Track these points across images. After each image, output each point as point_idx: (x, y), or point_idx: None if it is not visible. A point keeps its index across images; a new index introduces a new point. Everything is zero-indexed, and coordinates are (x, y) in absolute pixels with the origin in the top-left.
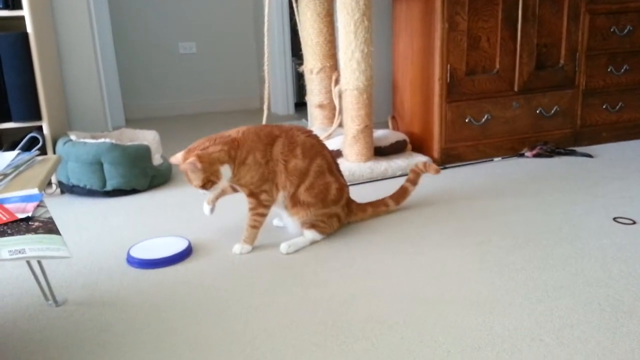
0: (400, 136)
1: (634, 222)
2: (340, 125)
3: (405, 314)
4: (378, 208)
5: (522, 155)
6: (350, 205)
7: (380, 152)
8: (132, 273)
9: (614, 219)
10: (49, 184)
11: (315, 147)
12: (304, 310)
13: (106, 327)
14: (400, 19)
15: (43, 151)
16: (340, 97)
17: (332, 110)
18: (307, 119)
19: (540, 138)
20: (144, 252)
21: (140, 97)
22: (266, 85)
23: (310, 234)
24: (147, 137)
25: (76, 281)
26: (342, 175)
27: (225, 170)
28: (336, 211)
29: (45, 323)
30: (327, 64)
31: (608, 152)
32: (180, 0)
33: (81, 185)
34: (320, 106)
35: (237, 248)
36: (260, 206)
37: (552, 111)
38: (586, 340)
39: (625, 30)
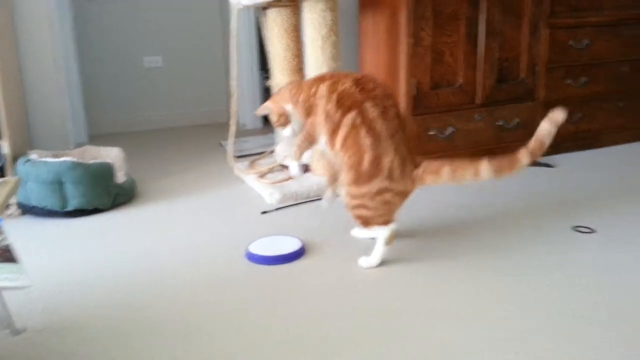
0: None
1: (593, 231)
2: None
3: (379, 329)
4: (460, 171)
5: None
6: (412, 173)
7: None
8: (94, 296)
9: (574, 228)
10: (7, 205)
11: (352, 97)
12: (277, 329)
13: (68, 355)
14: (366, 34)
15: (3, 171)
16: None
17: None
18: (274, 133)
19: (502, 150)
20: (263, 249)
21: (105, 112)
22: (234, 99)
23: (375, 232)
24: (111, 154)
25: (36, 306)
26: (394, 144)
27: (290, 109)
28: (382, 186)
29: (3, 353)
30: (295, 78)
31: (568, 162)
32: (145, 14)
33: (41, 206)
34: None
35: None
36: (304, 135)
37: (513, 123)
38: (553, 351)
39: (583, 44)
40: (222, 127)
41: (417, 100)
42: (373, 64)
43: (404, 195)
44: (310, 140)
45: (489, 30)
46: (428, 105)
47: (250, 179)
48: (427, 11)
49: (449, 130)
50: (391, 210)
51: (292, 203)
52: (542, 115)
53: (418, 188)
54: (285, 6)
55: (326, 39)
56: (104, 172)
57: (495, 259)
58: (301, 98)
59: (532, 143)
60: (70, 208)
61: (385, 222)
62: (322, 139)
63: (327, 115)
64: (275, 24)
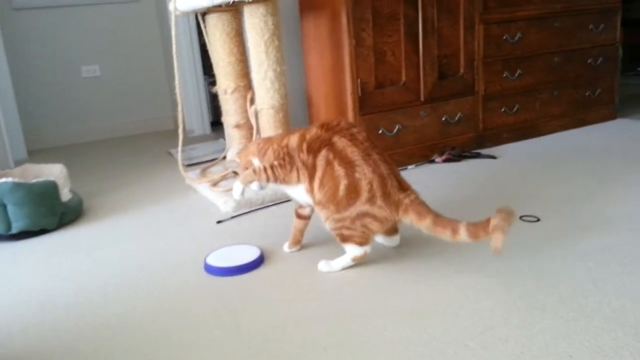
0: None
1: (538, 219)
2: None
3: (339, 334)
4: (441, 228)
5: (432, 161)
6: (397, 196)
7: None
8: (48, 322)
9: (520, 217)
10: None
11: (321, 138)
12: (237, 342)
13: None
14: (309, 36)
15: None
16: (256, 116)
17: (249, 129)
18: (224, 139)
19: (448, 144)
20: (221, 260)
21: (43, 126)
22: (179, 107)
23: (348, 248)
24: (53, 172)
25: None
26: (370, 165)
27: (256, 162)
28: (361, 211)
29: None
30: (241, 83)
31: (509, 152)
32: (80, 22)
33: None
34: (238, 126)
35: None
36: (271, 165)
37: (457, 117)
38: (506, 341)
39: (516, 37)
40: (168, 135)
41: (363, 100)
42: (318, 67)
43: (385, 222)
44: (266, 177)
45: (427, 29)
46: (374, 105)
47: (203, 188)
48: (367, 12)
49: (397, 127)
50: (369, 236)
51: (247, 210)
52: (484, 108)
53: (401, 218)
54: (225, 11)
55: (269, 44)
56: (47, 191)
57: (449, 254)
58: (272, 148)
59: (502, 211)
60: (15, 231)
61: (362, 244)
62: (299, 188)
63: (304, 164)
64: (216, 29)
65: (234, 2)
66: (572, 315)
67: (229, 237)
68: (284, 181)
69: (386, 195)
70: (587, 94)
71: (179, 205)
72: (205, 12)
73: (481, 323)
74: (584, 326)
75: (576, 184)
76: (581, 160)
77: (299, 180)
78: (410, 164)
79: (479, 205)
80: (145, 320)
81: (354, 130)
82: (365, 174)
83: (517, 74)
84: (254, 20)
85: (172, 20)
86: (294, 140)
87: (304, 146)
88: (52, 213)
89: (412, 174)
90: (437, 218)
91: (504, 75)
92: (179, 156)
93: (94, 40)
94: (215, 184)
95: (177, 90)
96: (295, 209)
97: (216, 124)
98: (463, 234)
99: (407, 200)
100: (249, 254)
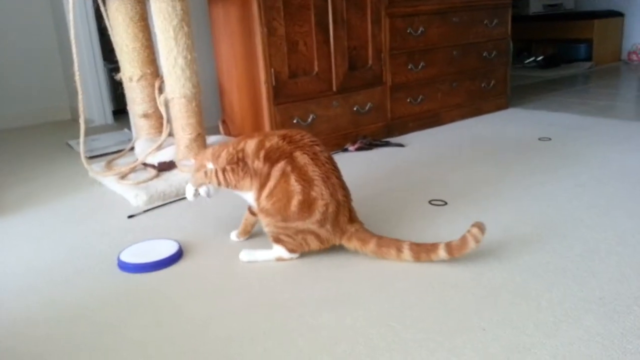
0: None
1: (446, 203)
2: (171, 134)
3: (265, 324)
4: (385, 248)
5: (346, 150)
6: (345, 226)
7: None
8: None
9: (429, 201)
10: None
11: (280, 149)
12: (159, 341)
13: None
14: (218, 23)
15: None
16: (166, 105)
17: (158, 119)
18: (129, 129)
19: (359, 132)
20: (136, 256)
21: None
22: (79, 96)
23: (277, 249)
24: None
25: None
26: (329, 188)
27: (210, 166)
28: (308, 228)
29: None
30: (148, 70)
31: (416, 140)
32: None
33: None
34: (145, 116)
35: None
36: (223, 169)
37: (367, 107)
38: (424, 319)
39: (419, 31)
40: (65, 125)
41: (278, 90)
42: (229, 55)
43: (326, 243)
44: (217, 181)
45: (336, 20)
46: (288, 94)
47: (110, 181)
48: (277, 1)
49: (311, 117)
50: (303, 249)
51: (161, 203)
52: (391, 98)
53: (343, 245)
54: None
55: (178, 30)
56: None
57: None
58: (226, 151)
59: (456, 241)
60: None
61: (292, 251)
62: (249, 194)
63: (256, 173)
64: (119, 13)
65: None
66: (482, 292)
67: (143, 232)
68: (236, 187)
69: (336, 222)
70: (482, 85)
71: (85, 200)
72: None
73: (400, 304)
74: (493, 301)
75: (476, 169)
76: (479, 147)
77: (250, 188)
78: None
79: (391, 190)
80: (54, 325)
81: (317, 148)
82: (322, 195)
83: (420, 66)
84: (161, 5)
85: (69, 3)
86: (250, 145)
87: (262, 154)
88: None
89: None
90: (381, 239)
91: (409, 67)
92: (81, 148)
93: None
94: (123, 176)
95: (77, 78)
96: (248, 206)
97: (119, 112)
98: (407, 253)
99: (352, 229)
100: (167, 249)
